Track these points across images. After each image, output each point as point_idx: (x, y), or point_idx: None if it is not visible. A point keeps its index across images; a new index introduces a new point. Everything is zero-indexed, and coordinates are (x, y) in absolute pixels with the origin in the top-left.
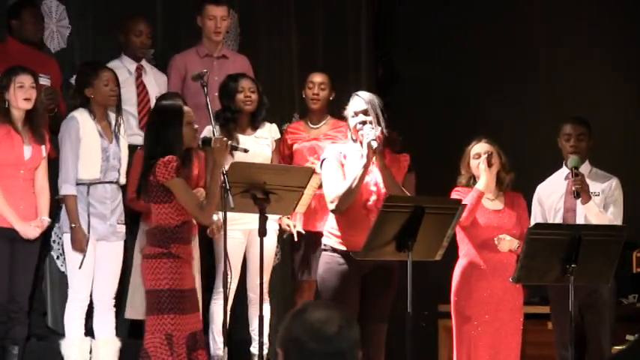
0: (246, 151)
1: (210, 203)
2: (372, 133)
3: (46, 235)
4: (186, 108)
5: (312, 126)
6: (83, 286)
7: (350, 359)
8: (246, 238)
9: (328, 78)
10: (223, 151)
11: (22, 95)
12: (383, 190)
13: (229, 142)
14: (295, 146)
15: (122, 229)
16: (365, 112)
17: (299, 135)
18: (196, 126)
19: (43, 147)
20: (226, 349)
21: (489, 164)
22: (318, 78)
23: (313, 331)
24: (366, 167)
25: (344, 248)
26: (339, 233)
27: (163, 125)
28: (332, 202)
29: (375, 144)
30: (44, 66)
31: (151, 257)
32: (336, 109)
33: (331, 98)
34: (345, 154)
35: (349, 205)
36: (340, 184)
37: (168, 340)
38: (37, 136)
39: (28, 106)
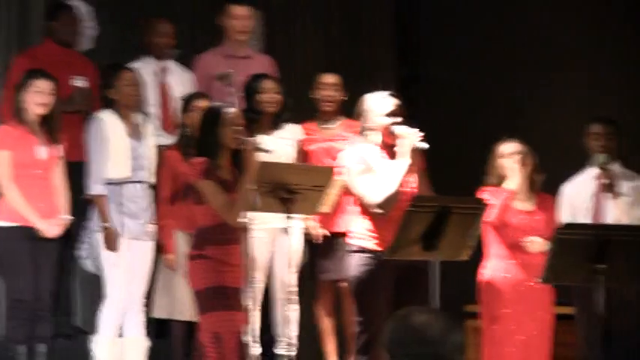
0: (268, 152)
1: (237, 205)
2: (415, 132)
3: (69, 233)
4: (230, 110)
5: (324, 126)
6: (120, 285)
7: None
8: (271, 237)
9: (340, 79)
10: (252, 153)
11: (37, 100)
12: (414, 190)
13: (255, 142)
14: (310, 147)
15: (152, 228)
16: (400, 113)
17: (312, 136)
18: (240, 129)
19: (59, 147)
20: (257, 348)
21: (523, 164)
22: (330, 79)
23: (418, 335)
24: (408, 166)
25: (380, 249)
26: (374, 234)
27: (204, 127)
28: (379, 205)
29: (426, 145)
30: (81, 68)
31: (190, 259)
32: (350, 109)
33: (343, 99)
34: (366, 157)
35: None
36: (380, 185)
37: (216, 338)
38: (52, 137)
39: (41, 111)
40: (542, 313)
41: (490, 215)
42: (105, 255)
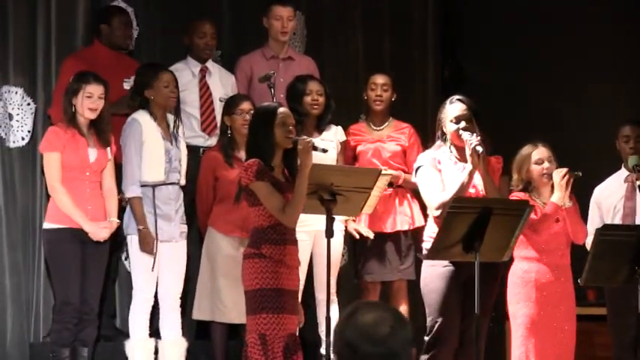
0: (324, 151)
1: (293, 205)
2: (475, 138)
3: (116, 236)
4: (281, 109)
5: (374, 128)
6: (147, 287)
7: (404, 358)
8: (311, 239)
9: (390, 79)
10: (308, 152)
11: (88, 105)
12: (482, 193)
13: (312, 142)
14: (359, 148)
15: (185, 229)
16: (466, 118)
17: (362, 137)
18: (292, 128)
19: (109, 149)
20: None
21: (568, 182)
22: (380, 79)
23: (366, 334)
24: (472, 173)
25: None
26: None
27: (255, 127)
28: (437, 208)
29: (480, 149)
30: (130, 70)
31: (245, 258)
32: (398, 110)
33: (393, 99)
34: (439, 160)
35: None
36: (443, 190)
37: (262, 340)
38: (102, 139)
39: (93, 116)
40: (568, 315)
41: (538, 231)
42: (135, 257)
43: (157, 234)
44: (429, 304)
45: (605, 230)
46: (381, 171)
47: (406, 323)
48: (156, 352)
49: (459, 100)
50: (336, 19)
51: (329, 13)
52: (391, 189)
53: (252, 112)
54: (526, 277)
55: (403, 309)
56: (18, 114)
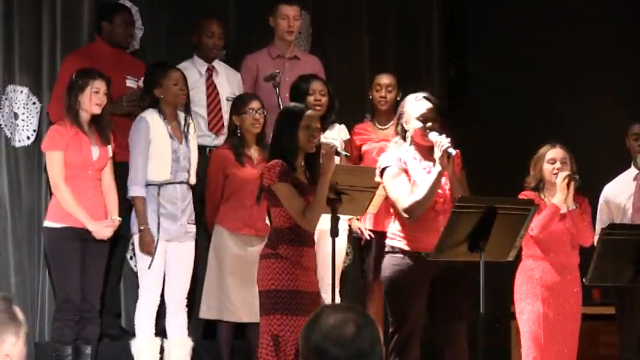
0: (347, 156)
1: (313, 209)
2: (445, 139)
3: (118, 235)
4: (308, 112)
5: (379, 127)
6: (153, 286)
7: (373, 357)
8: (316, 239)
9: (395, 79)
10: (330, 157)
11: (95, 100)
12: (449, 193)
13: (335, 146)
14: (364, 147)
15: (192, 229)
16: (432, 117)
17: (367, 136)
18: (316, 132)
19: (109, 147)
20: None
21: (569, 183)
22: (385, 80)
23: (331, 337)
24: (441, 174)
25: (409, 249)
26: (403, 235)
27: (280, 128)
28: (406, 210)
29: (453, 152)
30: (131, 68)
31: (262, 257)
32: None
33: (398, 99)
34: (404, 160)
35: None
36: (411, 192)
37: (275, 341)
38: (103, 137)
39: (99, 111)
40: (574, 315)
41: (533, 230)
42: (140, 256)
43: (159, 233)
44: (391, 302)
45: (610, 229)
46: None
47: (372, 321)
48: (162, 352)
49: (425, 98)
50: (342, 19)
51: (335, 12)
52: None
53: (261, 110)
54: (532, 275)
55: None
56: (23, 113)
